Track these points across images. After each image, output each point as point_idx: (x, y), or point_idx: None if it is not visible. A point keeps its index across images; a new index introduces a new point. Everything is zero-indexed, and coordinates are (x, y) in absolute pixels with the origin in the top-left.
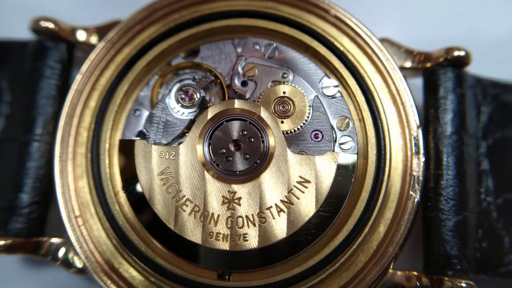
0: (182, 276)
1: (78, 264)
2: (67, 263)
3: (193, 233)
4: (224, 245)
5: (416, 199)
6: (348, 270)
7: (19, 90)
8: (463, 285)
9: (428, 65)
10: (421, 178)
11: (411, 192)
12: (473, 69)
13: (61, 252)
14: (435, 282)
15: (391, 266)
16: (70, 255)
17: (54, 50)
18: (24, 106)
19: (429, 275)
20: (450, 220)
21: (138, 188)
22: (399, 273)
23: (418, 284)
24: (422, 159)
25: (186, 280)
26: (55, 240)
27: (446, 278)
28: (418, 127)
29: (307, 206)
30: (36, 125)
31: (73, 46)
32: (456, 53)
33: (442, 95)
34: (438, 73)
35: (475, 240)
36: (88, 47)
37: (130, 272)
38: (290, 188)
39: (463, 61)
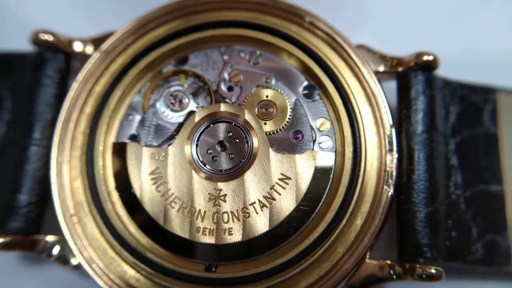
0: (172, 269)
1: (73, 260)
2: (62, 260)
3: (181, 228)
4: (211, 239)
5: (390, 193)
6: (327, 261)
7: (20, 98)
8: (433, 271)
9: (400, 69)
10: (394, 173)
11: (385, 187)
12: (444, 73)
13: (56, 249)
14: (407, 270)
15: (368, 256)
16: (65, 252)
17: (52, 60)
18: (24, 113)
19: (402, 263)
20: (421, 212)
21: (130, 187)
22: (374, 262)
23: (392, 272)
24: (395, 155)
25: (176, 273)
26: (50, 237)
27: (417, 266)
28: (391, 126)
29: (288, 201)
30: (35, 130)
31: (70, 56)
32: (425, 58)
33: (413, 97)
34: (409, 76)
35: (445, 230)
36: (84, 57)
37: (122, 266)
38: (272, 185)
39: (432, 65)
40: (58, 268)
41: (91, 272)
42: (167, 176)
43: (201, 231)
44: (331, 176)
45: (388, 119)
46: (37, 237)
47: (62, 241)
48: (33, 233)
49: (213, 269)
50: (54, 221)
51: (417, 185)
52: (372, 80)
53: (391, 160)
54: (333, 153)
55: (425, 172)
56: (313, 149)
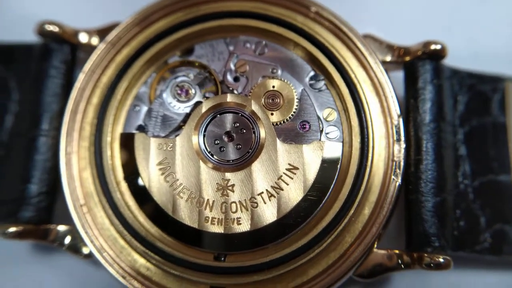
0: (181, 258)
1: (84, 250)
2: (74, 249)
3: (190, 218)
4: (219, 229)
5: (397, 183)
6: (335, 250)
7: (27, 89)
8: (441, 260)
9: (408, 58)
10: (402, 163)
11: (393, 177)
12: (450, 63)
13: (68, 239)
14: (415, 259)
15: (375, 246)
16: (76, 241)
17: (58, 51)
18: (31, 104)
19: (410, 253)
20: (429, 202)
21: (138, 178)
22: (382, 251)
23: (400, 262)
24: (403, 145)
25: (185, 262)
26: (62, 227)
27: (425, 255)
28: (399, 116)
29: (296, 191)
30: (43, 121)
31: (76, 47)
32: (433, 47)
33: (421, 86)
34: (417, 65)
35: (453, 220)
36: (90, 48)
37: (132, 255)
38: (280, 175)
39: (440, 54)
40: (70, 257)
41: (102, 261)
42: (175, 167)
43: (209, 221)
44: (338, 166)
45: (395, 109)
46: (48, 226)
47: (73, 231)
48: (44, 222)
49: (222, 259)
50: (65, 211)
51: (425, 175)
52: (379, 70)
53: (399, 150)
54: (341, 143)
55: (433, 162)
56: (320, 139)
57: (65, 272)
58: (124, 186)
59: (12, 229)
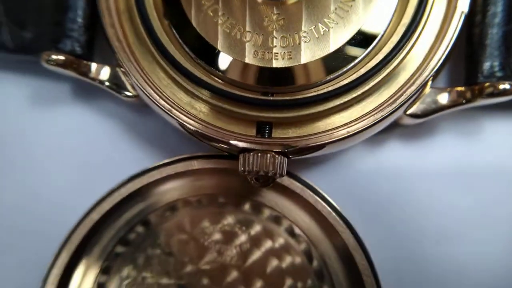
0: (229, 91)
1: (130, 89)
2: (116, 88)
3: (236, 52)
4: (269, 63)
5: (463, 13)
6: (389, 85)
7: None
8: (506, 86)
9: None
10: None
11: (458, 4)
12: None
13: (110, 77)
14: (475, 92)
15: (431, 83)
16: (119, 80)
17: None
18: None
19: (471, 87)
20: (497, 33)
21: (181, 10)
22: (439, 89)
23: (459, 97)
24: None
25: (232, 95)
26: (103, 66)
27: (487, 84)
28: None
29: (350, 24)
30: None
31: None
32: None
33: None
34: None
35: None
36: None
37: (179, 94)
38: (335, 8)
39: None
40: (114, 101)
41: (144, 95)
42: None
43: (259, 55)
44: None
45: None
46: (89, 63)
47: (115, 70)
48: (85, 58)
49: (270, 95)
50: (106, 50)
51: (493, 6)
52: None
53: None
54: None
55: None
56: None
57: (110, 115)
58: (165, 22)
59: (55, 56)
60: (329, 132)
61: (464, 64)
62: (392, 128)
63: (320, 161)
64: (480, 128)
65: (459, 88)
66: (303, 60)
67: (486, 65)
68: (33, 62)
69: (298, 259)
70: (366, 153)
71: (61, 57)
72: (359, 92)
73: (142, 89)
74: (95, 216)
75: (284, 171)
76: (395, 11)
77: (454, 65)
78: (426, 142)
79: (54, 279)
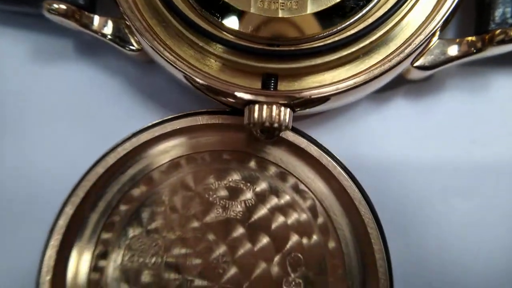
0: (234, 42)
1: (133, 42)
2: (117, 41)
3: (241, 2)
4: (275, 13)
5: None
6: (396, 37)
7: None
8: None
9: None
10: None
11: None
12: None
13: (112, 29)
14: (486, 41)
15: (439, 33)
16: (122, 33)
17: None
18: None
19: (482, 36)
20: None
21: None
22: (448, 40)
23: (469, 47)
24: None
25: (238, 45)
26: (106, 18)
27: (497, 31)
28: None
29: None
30: None
31: None
32: None
33: None
34: None
35: None
36: None
37: (181, 46)
38: None
39: None
40: (119, 57)
41: (151, 52)
42: None
43: (264, 5)
44: None
45: None
46: (92, 15)
47: (118, 23)
48: (88, 9)
49: (275, 46)
50: (109, 3)
51: None
52: None
53: None
54: None
55: None
56: None
57: (113, 72)
58: None
59: (56, 5)
60: (335, 84)
61: (475, 12)
62: (397, 85)
63: (325, 118)
64: (487, 84)
65: (469, 38)
66: (309, 10)
67: (498, 12)
68: (35, 15)
69: (303, 215)
70: (371, 110)
71: (63, 6)
72: (366, 42)
73: (147, 42)
74: (100, 169)
75: (290, 124)
76: None
77: (463, 16)
78: (432, 100)
79: (60, 229)
